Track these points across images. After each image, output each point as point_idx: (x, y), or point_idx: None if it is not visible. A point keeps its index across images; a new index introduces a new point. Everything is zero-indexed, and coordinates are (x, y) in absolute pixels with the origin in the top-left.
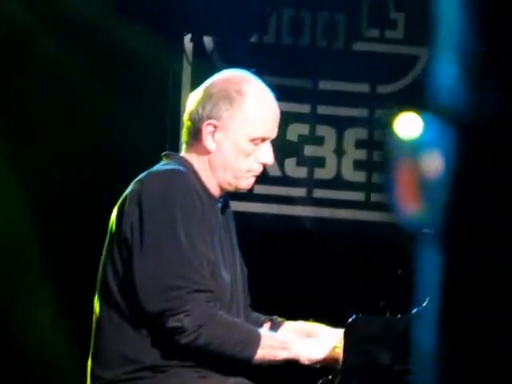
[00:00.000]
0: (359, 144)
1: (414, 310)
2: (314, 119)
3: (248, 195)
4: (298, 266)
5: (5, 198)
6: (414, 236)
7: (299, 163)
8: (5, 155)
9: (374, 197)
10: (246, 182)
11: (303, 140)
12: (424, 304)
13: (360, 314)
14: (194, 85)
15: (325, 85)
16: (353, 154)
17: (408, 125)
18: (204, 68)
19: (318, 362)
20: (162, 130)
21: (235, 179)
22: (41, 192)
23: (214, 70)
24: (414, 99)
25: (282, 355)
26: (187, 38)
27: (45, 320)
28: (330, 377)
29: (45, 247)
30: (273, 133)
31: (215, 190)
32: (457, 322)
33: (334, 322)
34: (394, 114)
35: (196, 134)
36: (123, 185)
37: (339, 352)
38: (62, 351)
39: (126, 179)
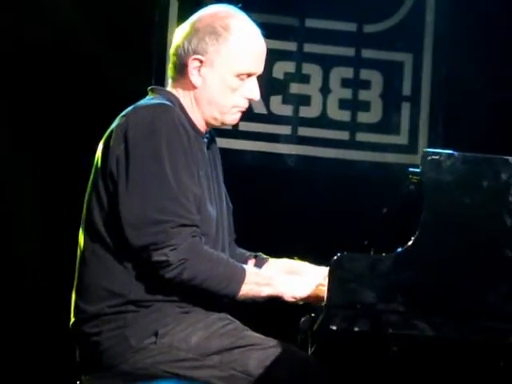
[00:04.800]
0: (345, 83)
1: (399, 250)
2: (301, 57)
3: (233, 132)
4: (282, 204)
5: None
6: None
7: (285, 101)
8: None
9: (359, 136)
10: (231, 118)
11: (289, 78)
12: (409, 243)
13: (345, 252)
14: (181, 20)
15: (311, 23)
16: (338, 92)
17: None
18: (191, 3)
19: (301, 299)
20: (148, 64)
21: (221, 114)
22: (27, 128)
23: (201, 5)
24: (401, 39)
25: (266, 291)
26: None
27: (30, 253)
28: (313, 315)
29: (30, 182)
30: (259, 68)
31: (201, 125)
32: None
33: (318, 261)
34: None
35: (182, 69)
36: (109, 119)
37: (323, 290)
38: (46, 284)
39: (112, 114)
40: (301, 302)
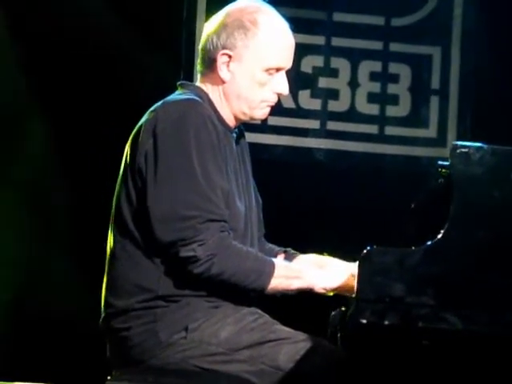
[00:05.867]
0: (373, 77)
1: (429, 243)
2: (329, 51)
3: (262, 126)
4: (311, 198)
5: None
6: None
7: (313, 95)
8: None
9: (388, 130)
10: (261, 112)
11: (317, 72)
12: (438, 236)
13: (374, 246)
14: (209, 15)
15: (339, 17)
16: (367, 86)
17: None
18: None
19: (332, 290)
20: (177, 60)
21: (250, 109)
22: (58, 127)
23: None
24: (429, 32)
25: (296, 284)
26: None
27: (58, 250)
28: (344, 308)
29: (61, 179)
30: (287, 63)
31: (230, 120)
32: None
33: (347, 254)
34: None
35: (211, 64)
36: (138, 115)
37: (353, 281)
38: (76, 281)
39: (141, 109)
40: (331, 293)
